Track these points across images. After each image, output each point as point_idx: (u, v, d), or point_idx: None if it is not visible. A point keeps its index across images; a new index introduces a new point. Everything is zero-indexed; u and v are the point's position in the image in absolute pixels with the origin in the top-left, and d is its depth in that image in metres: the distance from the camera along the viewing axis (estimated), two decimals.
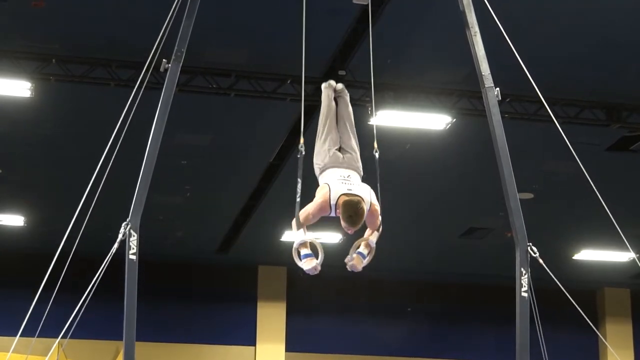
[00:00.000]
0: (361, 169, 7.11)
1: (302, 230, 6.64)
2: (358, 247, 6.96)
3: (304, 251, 6.65)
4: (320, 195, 6.76)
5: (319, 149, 7.13)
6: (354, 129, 7.30)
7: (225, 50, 11.70)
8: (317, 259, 6.64)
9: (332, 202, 6.70)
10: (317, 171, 7.07)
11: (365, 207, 6.68)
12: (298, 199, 6.72)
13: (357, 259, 6.89)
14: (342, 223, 6.68)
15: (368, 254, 6.95)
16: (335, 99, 7.42)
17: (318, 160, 7.07)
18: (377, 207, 6.91)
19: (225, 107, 12.79)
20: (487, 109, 7.27)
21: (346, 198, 6.66)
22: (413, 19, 10.97)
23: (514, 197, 7.08)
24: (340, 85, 7.47)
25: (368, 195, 6.81)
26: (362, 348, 20.03)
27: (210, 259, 19.21)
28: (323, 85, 7.46)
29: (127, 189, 6.99)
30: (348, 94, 7.49)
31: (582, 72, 12.09)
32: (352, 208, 6.62)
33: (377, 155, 7.30)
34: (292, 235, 6.72)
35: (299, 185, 6.76)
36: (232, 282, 19.69)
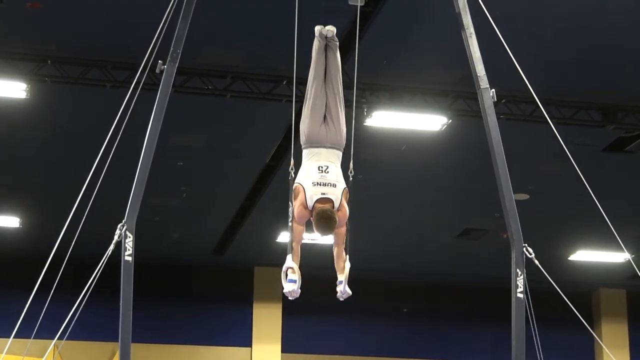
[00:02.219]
0: (343, 142, 7.14)
1: (290, 255, 6.79)
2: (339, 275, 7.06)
3: (290, 276, 6.79)
4: (297, 201, 6.86)
5: (304, 116, 7.18)
6: (341, 87, 7.31)
7: (221, 52, 11.70)
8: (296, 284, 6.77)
9: (309, 206, 6.82)
10: (301, 139, 7.16)
11: (337, 213, 6.81)
12: (290, 223, 6.81)
13: (347, 288, 7.00)
14: (315, 229, 6.82)
15: (346, 278, 7.02)
16: (325, 50, 7.30)
17: (303, 130, 7.15)
18: (346, 210, 6.94)
19: (221, 108, 12.79)
20: (483, 110, 7.28)
21: (320, 208, 6.79)
22: (409, 20, 10.98)
23: (510, 198, 7.09)
24: (330, 31, 7.29)
25: (340, 194, 6.88)
26: (358, 349, 20.03)
27: (206, 260, 19.20)
28: (316, 31, 7.30)
29: (123, 190, 6.99)
30: (337, 42, 7.37)
31: (578, 73, 12.10)
32: (324, 222, 6.75)
33: (351, 176, 7.19)
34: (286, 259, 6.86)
35: (291, 209, 6.83)
36: (228, 283, 19.68)
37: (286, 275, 6.80)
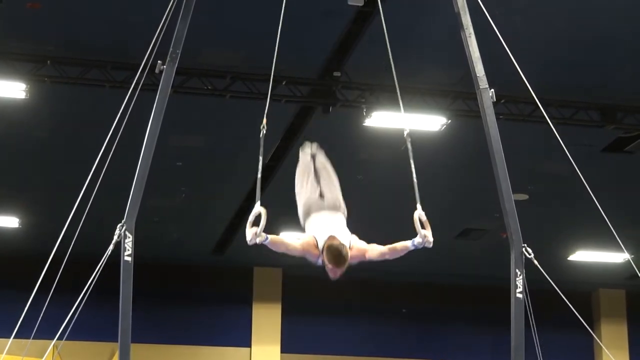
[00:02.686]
0: (345, 208, 7.30)
1: (258, 203, 6.84)
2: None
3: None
4: (305, 241, 6.93)
5: (300, 199, 7.43)
6: (333, 174, 7.53)
7: (221, 52, 11.70)
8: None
9: (320, 247, 6.86)
10: (301, 219, 7.28)
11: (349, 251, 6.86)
12: (259, 175, 6.91)
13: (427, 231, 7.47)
14: (328, 265, 6.82)
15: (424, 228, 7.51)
16: (313, 159, 7.67)
17: (301, 209, 7.34)
18: (362, 245, 7.05)
19: (220, 108, 12.79)
20: (482, 110, 7.28)
21: (330, 242, 6.85)
22: (408, 20, 10.97)
23: (509, 198, 7.09)
24: (314, 148, 7.75)
25: (348, 240, 6.96)
26: (358, 349, 20.02)
27: (206, 261, 19.20)
28: (300, 148, 7.80)
29: (123, 191, 6.99)
30: (322, 150, 7.73)
31: (577, 74, 12.10)
32: (337, 251, 6.79)
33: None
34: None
35: (260, 164, 6.95)
36: (227, 283, 19.68)
37: (251, 224, 6.79)
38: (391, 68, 7.71)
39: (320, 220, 7.11)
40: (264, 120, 7.16)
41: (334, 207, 7.23)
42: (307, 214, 7.23)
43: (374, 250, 7.09)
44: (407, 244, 7.20)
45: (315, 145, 7.72)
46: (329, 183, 7.42)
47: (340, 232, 7.01)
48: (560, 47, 11.48)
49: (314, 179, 7.47)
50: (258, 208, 6.75)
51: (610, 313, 20.69)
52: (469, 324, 20.44)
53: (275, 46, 7.53)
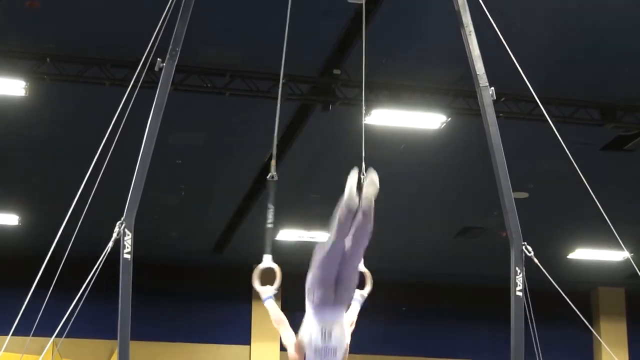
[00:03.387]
0: (352, 298, 6.89)
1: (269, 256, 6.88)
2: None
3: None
4: (295, 351, 6.67)
5: (314, 274, 6.29)
6: (362, 257, 6.56)
7: (220, 50, 11.70)
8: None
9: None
10: (306, 292, 6.64)
11: None
12: (269, 225, 6.78)
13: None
14: None
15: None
16: (355, 214, 6.08)
17: (309, 287, 6.42)
18: (348, 339, 6.76)
19: (220, 106, 12.78)
20: (482, 109, 7.27)
21: None
22: (408, 18, 10.98)
23: (509, 196, 7.08)
24: (369, 202, 6.14)
25: (341, 355, 6.61)
26: (356, 347, 19.82)
27: (205, 259, 19.21)
28: (345, 196, 6.03)
29: (122, 188, 6.99)
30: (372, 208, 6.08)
31: (577, 72, 12.10)
32: None
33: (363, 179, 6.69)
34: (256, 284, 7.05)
35: (271, 212, 6.81)
36: (226, 281, 19.68)
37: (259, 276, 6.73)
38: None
39: (321, 322, 6.54)
40: (273, 163, 6.92)
41: (343, 303, 6.56)
42: (311, 302, 6.57)
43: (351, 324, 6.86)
44: (357, 306, 6.98)
45: (369, 200, 6.11)
46: (353, 276, 6.37)
47: (335, 349, 6.56)
48: (560, 46, 11.48)
49: (341, 254, 6.10)
50: (270, 263, 6.65)
51: (609, 311, 20.71)
52: (468, 322, 20.45)
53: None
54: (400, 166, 14.41)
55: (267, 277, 6.97)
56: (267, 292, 6.70)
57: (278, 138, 7.42)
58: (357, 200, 5.98)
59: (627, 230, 12.92)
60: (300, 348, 6.54)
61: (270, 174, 6.83)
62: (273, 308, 6.78)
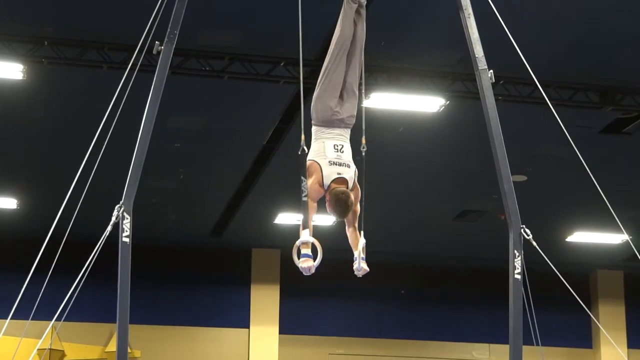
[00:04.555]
0: (354, 116, 7.05)
1: (307, 230, 6.63)
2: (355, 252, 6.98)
3: (304, 251, 6.64)
4: (312, 178, 6.77)
5: (319, 94, 6.94)
6: (363, 57, 7.09)
7: (219, 33, 11.67)
8: (315, 260, 6.64)
9: (325, 185, 6.77)
10: (313, 117, 7.00)
11: (351, 195, 6.75)
12: (304, 199, 6.70)
13: (363, 264, 6.92)
14: (329, 211, 6.78)
15: (359, 254, 6.96)
16: (355, 17, 7.04)
17: (316, 108, 6.94)
18: (359, 190, 6.95)
19: (218, 89, 12.77)
20: (481, 92, 7.26)
21: (336, 189, 6.73)
22: (407, 1, 10.95)
23: (508, 179, 7.08)
24: None
25: (353, 174, 6.88)
26: (356, 331, 20.08)
27: (204, 242, 19.23)
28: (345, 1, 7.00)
29: (121, 172, 6.98)
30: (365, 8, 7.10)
31: (576, 55, 12.08)
32: (343, 204, 6.71)
33: (364, 152, 7.12)
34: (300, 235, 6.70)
35: (304, 184, 6.73)
36: (225, 265, 19.71)
37: (298, 253, 6.65)
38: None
39: (332, 138, 6.87)
40: (303, 137, 6.93)
41: (348, 123, 6.96)
42: (320, 122, 6.92)
43: (353, 210, 6.95)
44: (354, 247, 6.98)
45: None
46: (354, 78, 7.00)
47: (348, 164, 6.85)
48: (559, 29, 11.45)
49: (343, 64, 6.96)
50: (309, 238, 6.60)
51: (608, 294, 20.74)
52: (467, 305, 20.48)
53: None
54: (399, 149, 14.40)
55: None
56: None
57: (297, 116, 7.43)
58: None
59: (625, 213, 12.95)
60: (314, 170, 6.75)
61: (300, 148, 6.82)
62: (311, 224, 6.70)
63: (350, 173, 6.86)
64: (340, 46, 6.97)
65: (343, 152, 6.88)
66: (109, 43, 11.61)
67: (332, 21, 11.29)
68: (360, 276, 7.00)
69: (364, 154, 7.10)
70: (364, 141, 7.18)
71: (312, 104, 7.00)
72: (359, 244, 6.95)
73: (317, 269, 6.66)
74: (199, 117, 13.74)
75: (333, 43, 7.00)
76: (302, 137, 6.95)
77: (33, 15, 11.23)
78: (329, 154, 6.85)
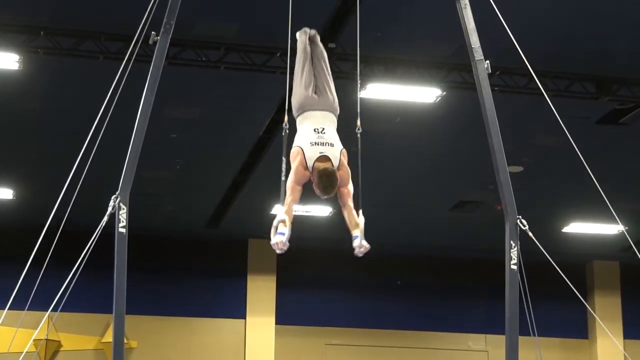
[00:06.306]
0: (336, 108, 7.33)
1: (282, 209, 6.80)
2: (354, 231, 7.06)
3: (281, 229, 6.77)
4: (296, 162, 6.95)
5: (295, 90, 7.42)
6: (329, 68, 7.53)
7: (215, 23, 11.65)
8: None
9: (309, 166, 6.92)
10: (294, 112, 7.34)
11: (337, 171, 6.91)
12: (283, 178, 6.83)
13: (364, 241, 7.01)
14: (316, 190, 6.90)
15: (361, 232, 7.05)
16: (310, 44, 7.65)
17: (295, 102, 7.37)
18: (347, 168, 7.08)
19: (214, 80, 12.76)
20: (477, 82, 7.28)
21: (320, 167, 6.87)
22: None
23: (504, 170, 7.09)
24: (313, 31, 7.65)
25: (338, 153, 7.01)
26: (352, 321, 20.09)
27: (200, 233, 19.21)
28: (298, 33, 7.65)
29: (117, 163, 6.98)
30: (319, 38, 7.71)
31: (572, 45, 12.08)
32: (326, 179, 6.84)
33: (359, 133, 7.38)
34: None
35: (284, 164, 6.83)
36: (222, 255, 19.71)
37: (276, 228, 6.77)
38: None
39: (312, 123, 7.16)
40: (285, 118, 7.06)
41: (327, 106, 7.29)
42: (301, 109, 7.30)
43: (345, 188, 7.03)
44: (353, 227, 7.04)
45: (313, 31, 7.67)
46: (324, 78, 7.43)
47: (332, 143, 7.06)
48: (555, 19, 11.44)
49: (310, 68, 7.49)
50: (283, 215, 6.72)
51: (604, 285, 20.75)
52: (463, 296, 20.49)
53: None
54: (396, 140, 14.40)
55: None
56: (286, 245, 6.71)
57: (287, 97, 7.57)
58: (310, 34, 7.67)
59: (622, 203, 12.95)
60: (297, 153, 6.98)
61: (284, 127, 7.00)
62: (292, 211, 6.87)
63: (334, 152, 6.99)
64: (303, 62, 7.55)
65: (324, 132, 7.06)
66: (106, 33, 11.58)
67: (327, 12, 11.35)
68: (361, 255, 7.01)
69: (359, 135, 7.19)
70: (358, 123, 7.26)
71: (291, 100, 7.38)
72: (358, 222, 6.98)
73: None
74: (195, 108, 13.73)
75: (297, 61, 7.64)
76: (285, 117, 7.06)
77: (29, 5, 11.21)
78: (310, 136, 7.05)
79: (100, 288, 13.12)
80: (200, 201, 17.57)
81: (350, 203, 7.09)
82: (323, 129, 7.08)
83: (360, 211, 7.07)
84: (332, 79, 7.46)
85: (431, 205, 17.57)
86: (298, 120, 7.25)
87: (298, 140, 7.09)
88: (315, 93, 7.35)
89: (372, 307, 20.20)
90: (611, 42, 11.98)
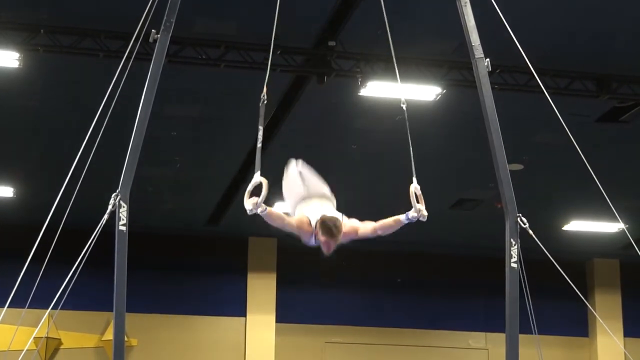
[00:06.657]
0: (334, 200, 7.53)
1: (258, 172, 7.02)
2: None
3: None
4: (299, 219, 7.16)
5: (288, 200, 7.66)
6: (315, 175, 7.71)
7: (215, 21, 11.65)
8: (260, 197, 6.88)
9: (313, 224, 7.07)
10: (291, 211, 7.48)
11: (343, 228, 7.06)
12: (259, 145, 6.95)
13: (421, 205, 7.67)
14: (321, 238, 7.00)
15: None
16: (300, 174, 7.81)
17: (290, 205, 7.58)
18: (354, 223, 7.32)
19: (215, 78, 12.76)
20: (477, 80, 7.27)
21: (324, 216, 7.06)
22: None
23: (504, 168, 7.09)
24: (300, 165, 7.88)
25: (341, 217, 7.22)
26: (352, 319, 20.09)
27: (201, 231, 19.22)
28: (285, 167, 7.97)
29: (117, 160, 6.98)
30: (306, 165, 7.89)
31: (573, 43, 12.07)
32: (329, 221, 7.00)
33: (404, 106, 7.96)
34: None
35: (260, 133, 6.94)
36: (222, 253, 19.71)
37: (250, 193, 6.92)
38: (387, 37, 7.64)
39: (311, 206, 7.29)
40: (265, 89, 7.14)
41: (323, 196, 7.43)
42: (297, 204, 7.43)
43: (367, 227, 7.19)
44: (401, 218, 7.30)
45: (300, 162, 7.83)
46: (315, 180, 7.62)
47: (331, 212, 7.22)
48: (555, 17, 11.44)
49: (301, 182, 7.64)
50: (258, 178, 6.80)
51: (604, 283, 20.76)
52: (463, 294, 20.49)
53: (270, 16, 7.50)
54: (395, 138, 14.37)
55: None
56: (260, 207, 6.75)
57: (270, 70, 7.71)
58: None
59: (622, 201, 12.97)
60: (302, 215, 7.22)
61: (262, 98, 7.11)
62: (272, 214, 7.03)
63: (337, 214, 7.21)
64: (288, 184, 7.81)
65: (324, 207, 7.30)
66: (106, 31, 11.58)
67: (328, 10, 11.35)
68: (424, 219, 7.70)
69: (404, 107, 7.81)
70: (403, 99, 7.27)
71: (289, 212, 7.51)
72: (395, 217, 7.75)
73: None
74: (195, 106, 13.73)
75: (283, 185, 7.83)
76: (265, 88, 7.12)
77: (29, 3, 11.21)
78: (311, 208, 7.28)
79: (100, 286, 13.11)
80: (200, 199, 17.58)
81: (373, 223, 7.26)
82: (323, 205, 7.33)
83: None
84: (325, 183, 7.66)
85: (431, 203, 17.45)
86: (297, 213, 7.42)
87: (301, 211, 7.35)
88: (308, 190, 7.54)
89: (372, 305, 20.20)
90: (611, 40, 11.98)
